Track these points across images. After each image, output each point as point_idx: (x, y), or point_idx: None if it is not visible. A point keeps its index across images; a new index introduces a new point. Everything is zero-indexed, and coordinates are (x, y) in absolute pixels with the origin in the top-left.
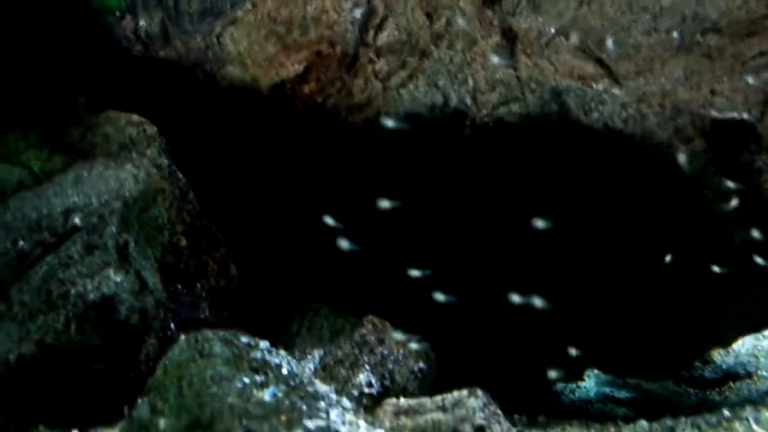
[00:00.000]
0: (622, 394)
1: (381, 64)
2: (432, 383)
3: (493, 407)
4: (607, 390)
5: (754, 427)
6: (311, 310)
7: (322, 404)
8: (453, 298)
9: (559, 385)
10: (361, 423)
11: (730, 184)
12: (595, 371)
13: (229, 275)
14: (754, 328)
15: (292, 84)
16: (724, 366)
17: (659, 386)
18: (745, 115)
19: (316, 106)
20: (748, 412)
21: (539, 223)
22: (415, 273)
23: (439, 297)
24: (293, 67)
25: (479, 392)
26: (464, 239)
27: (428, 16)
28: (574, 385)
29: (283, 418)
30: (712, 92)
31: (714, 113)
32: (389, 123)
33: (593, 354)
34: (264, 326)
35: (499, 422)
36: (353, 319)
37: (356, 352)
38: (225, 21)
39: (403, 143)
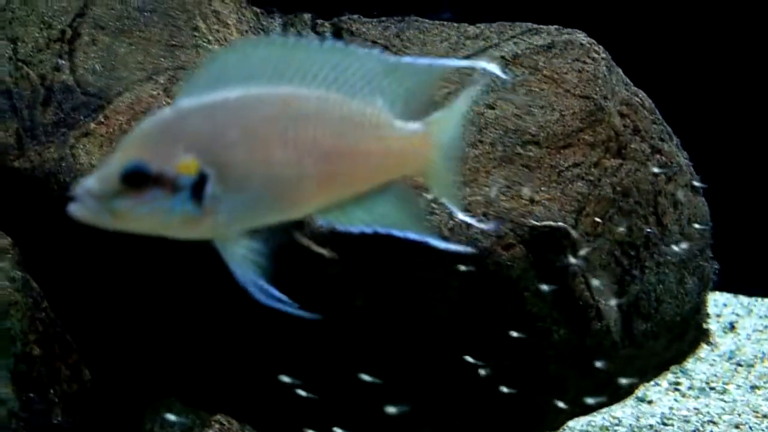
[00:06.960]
0: None
1: None
2: None
3: None
4: None
5: None
6: (164, 406)
7: None
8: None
9: None
10: None
11: (545, 287)
12: None
13: (81, 380)
14: (581, 413)
15: None
16: None
17: None
18: (560, 223)
19: None
20: None
21: None
22: None
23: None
24: None
25: None
26: None
27: None
28: None
29: None
30: (531, 201)
31: (532, 221)
32: None
33: None
34: (117, 426)
35: None
36: (204, 414)
37: None
38: (78, 132)
39: None
